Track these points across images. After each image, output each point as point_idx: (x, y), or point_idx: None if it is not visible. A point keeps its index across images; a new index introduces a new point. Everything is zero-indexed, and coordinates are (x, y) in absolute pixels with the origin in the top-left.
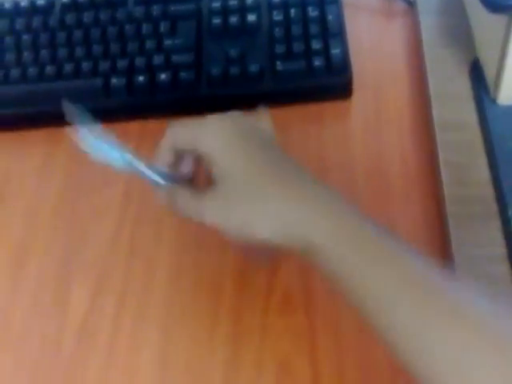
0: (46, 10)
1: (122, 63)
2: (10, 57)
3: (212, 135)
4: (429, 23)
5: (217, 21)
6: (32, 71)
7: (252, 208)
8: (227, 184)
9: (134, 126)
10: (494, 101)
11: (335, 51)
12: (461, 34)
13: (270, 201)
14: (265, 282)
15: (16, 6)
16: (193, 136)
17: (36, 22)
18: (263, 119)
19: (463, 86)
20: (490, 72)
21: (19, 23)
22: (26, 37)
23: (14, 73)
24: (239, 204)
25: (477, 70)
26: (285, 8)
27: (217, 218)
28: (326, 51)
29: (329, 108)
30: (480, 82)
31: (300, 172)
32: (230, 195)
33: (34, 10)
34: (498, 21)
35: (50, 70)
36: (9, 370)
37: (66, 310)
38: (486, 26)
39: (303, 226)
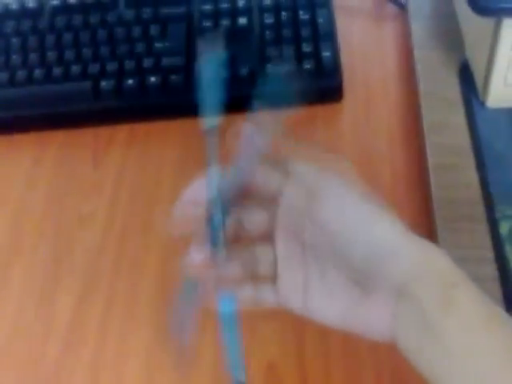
0: (36, 13)
1: (111, 66)
2: None
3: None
4: (419, 26)
5: (208, 24)
6: (21, 74)
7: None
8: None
9: (123, 129)
10: (482, 104)
11: (326, 54)
12: (451, 38)
13: None
14: None
15: (5, 8)
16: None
17: (25, 24)
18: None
19: (453, 88)
20: (479, 75)
21: (8, 26)
22: (14, 40)
23: (2, 76)
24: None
25: (466, 73)
26: (276, 11)
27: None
28: (316, 54)
29: (319, 111)
30: (469, 85)
31: None
32: None
33: (23, 12)
34: (486, 24)
35: (38, 73)
36: None
37: (51, 316)
38: (475, 29)
39: None
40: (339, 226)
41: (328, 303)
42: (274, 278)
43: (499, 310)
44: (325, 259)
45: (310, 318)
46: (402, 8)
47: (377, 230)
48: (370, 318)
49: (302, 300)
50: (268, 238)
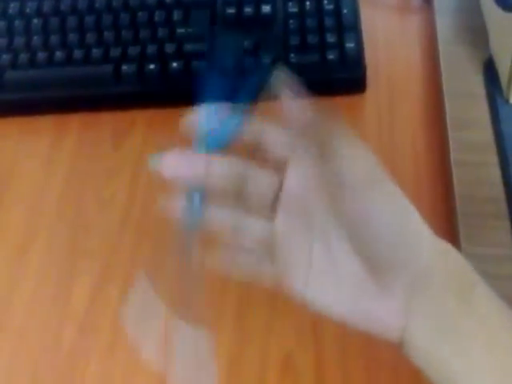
0: None
1: (133, 50)
2: (19, 41)
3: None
4: (444, 21)
5: (231, 11)
6: (41, 56)
7: None
8: None
9: (143, 113)
10: (506, 100)
11: (349, 45)
12: (476, 33)
13: None
14: None
15: None
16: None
17: (47, 6)
18: None
19: (477, 84)
20: (503, 71)
21: (30, 7)
22: (36, 21)
23: (23, 57)
24: None
25: (491, 69)
26: (300, 0)
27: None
28: (340, 45)
29: (342, 102)
30: (493, 82)
31: None
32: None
33: None
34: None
35: (59, 55)
36: (8, 360)
37: (68, 300)
38: (501, 25)
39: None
40: (370, 215)
41: (335, 292)
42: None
43: None
44: (337, 244)
45: (310, 304)
46: (427, 2)
47: (413, 220)
48: (380, 313)
49: (302, 281)
50: (268, 206)
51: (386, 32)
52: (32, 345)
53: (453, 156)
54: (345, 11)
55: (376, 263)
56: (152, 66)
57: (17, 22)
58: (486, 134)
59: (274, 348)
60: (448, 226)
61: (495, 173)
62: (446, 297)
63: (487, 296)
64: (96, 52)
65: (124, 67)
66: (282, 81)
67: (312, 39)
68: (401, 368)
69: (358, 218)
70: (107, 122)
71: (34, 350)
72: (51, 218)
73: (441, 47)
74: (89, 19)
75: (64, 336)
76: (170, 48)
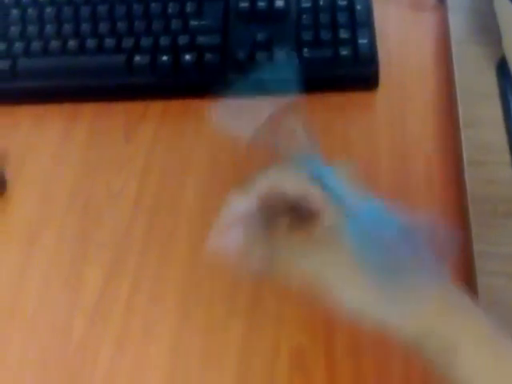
0: None
1: (146, 41)
2: (32, 29)
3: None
4: (457, 19)
5: (244, 4)
6: (54, 44)
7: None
8: (355, 255)
9: (155, 106)
10: None
11: (362, 41)
12: (489, 32)
13: (408, 287)
14: None
15: None
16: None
17: None
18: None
19: (490, 83)
20: None
21: None
22: (49, 10)
23: (36, 45)
24: (372, 284)
25: (504, 68)
26: None
27: (337, 288)
28: (353, 41)
29: (354, 98)
30: (506, 80)
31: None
32: (362, 272)
33: None
34: None
35: (72, 44)
36: (19, 350)
37: (78, 292)
38: None
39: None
40: None
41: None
42: None
43: None
44: None
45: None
46: (441, 0)
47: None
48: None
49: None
50: None
51: (399, 29)
52: (42, 335)
53: (465, 155)
54: (358, 7)
55: None
56: (165, 58)
57: (30, 11)
58: (499, 133)
59: (284, 341)
60: (461, 225)
61: (508, 172)
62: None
63: None
64: (109, 42)
65: (137, 58)
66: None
67: (325, 35)
68: (414, 361)
69: None
70: (119, 112)
71: (44, 340)
72: (62, 208)
73: (454, 46)
74: (102, 9)
75: (74, 327)
76: (182, 40)
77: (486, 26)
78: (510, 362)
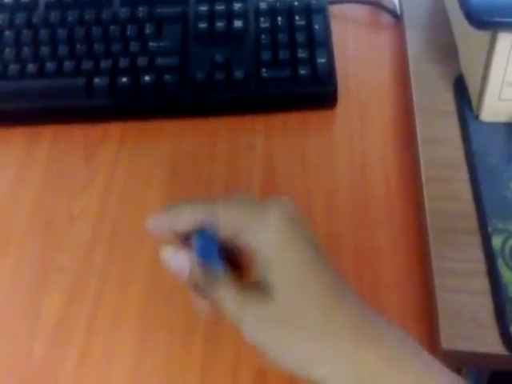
0: (30, 7)
1: (105, 63)
2: None
3: (270, 230)
4: (415, 37)
5: (203, 25)
6: (13, 68)
7: (318, 346)
8: (284, 302)
9: (115, 127)
10: (476, 117)
11: (321, 60)
12: (446, 50)
13: (341, 343)
14: None
15: None
16: (243, 223)
17: (19, 18)
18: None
19: (447, 101)
20: (473, 88)
21: (2, 19)
22: (8, 33)
23: None
24: (300, 335)
25: (461, 86)
26: (272, 15)
27: (262, 339)
28: (311, 60)
29: (312, 117)
30: (463, 98)
31: (374, 317)
32: (288, 319)
33: (17, 6)
34: (481, 37)
35: (31, 67)
36: None
37: (38, 314)
38: (471, 42)
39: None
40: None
41: None
42: None
43: None
44: None
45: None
46: (397, 18)
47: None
48: None
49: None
50: None
51: (356, 48)
52: (1, 358)
53: (423, 172)
54: (316, 27)
55: None
56: (124, 79)
57: None
58: (457, 150)
59: (245, 359)
60: (419, 240)
61: (465, 189)
62: None
63: None
64: (68, 65)
65: (96, 80)
66: None
67: (283, 54)
68: None
69: None
70: (79, 134)
71: (3, 363)
72: (22, 231)
73: (411, 64)
74: (61, 32)
75: (34, 350)
76: (142, 61)
77: (443, 44)
78: None
